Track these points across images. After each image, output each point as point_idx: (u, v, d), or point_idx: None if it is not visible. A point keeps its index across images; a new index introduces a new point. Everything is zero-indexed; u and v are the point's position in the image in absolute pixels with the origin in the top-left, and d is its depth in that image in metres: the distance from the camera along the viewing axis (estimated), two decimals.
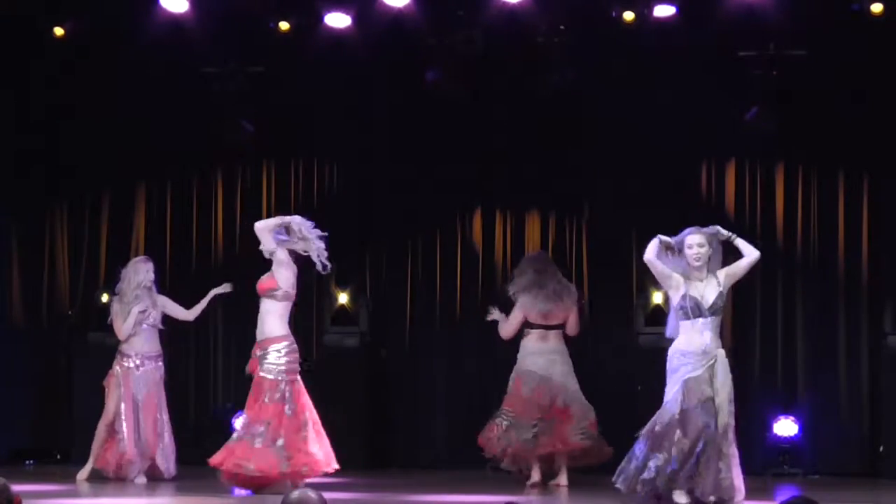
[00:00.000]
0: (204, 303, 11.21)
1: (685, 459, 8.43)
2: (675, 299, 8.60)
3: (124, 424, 10.78)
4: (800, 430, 11.57)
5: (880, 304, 11.59)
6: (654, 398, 11.58)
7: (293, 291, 9.72)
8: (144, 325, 10.95)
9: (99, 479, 10.76)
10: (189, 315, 11.24)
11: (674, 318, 8.67)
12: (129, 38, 11.58)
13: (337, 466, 9.64)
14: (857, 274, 11.81)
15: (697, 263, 8.58)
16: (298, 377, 9.70)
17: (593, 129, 12.13)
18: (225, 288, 11.15)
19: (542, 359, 10.62)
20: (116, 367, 10.96)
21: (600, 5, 11.24)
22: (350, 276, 12.57)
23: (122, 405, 10.83)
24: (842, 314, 11.88)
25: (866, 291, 11.80)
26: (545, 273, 10.80)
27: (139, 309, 10.87)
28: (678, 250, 8.62)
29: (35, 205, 13.10)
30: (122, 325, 10.89)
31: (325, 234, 9.77)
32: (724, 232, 8.70)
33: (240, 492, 9.70)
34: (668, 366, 8.65)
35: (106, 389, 10.94)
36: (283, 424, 9.49)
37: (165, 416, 11.02)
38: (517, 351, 10.89)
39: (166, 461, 10.95)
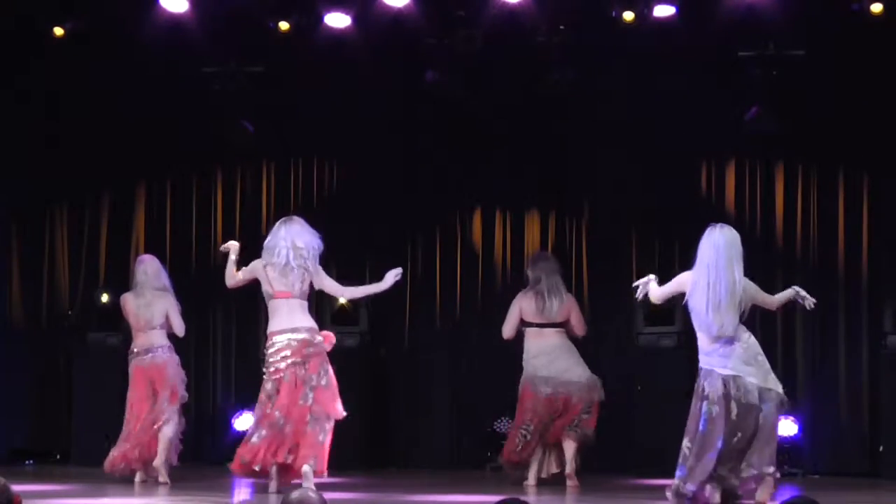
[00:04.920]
0: None
1: None
2: None
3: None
4: (800, 430, 11.56)
5: (880, 304, 11.58)
6: (654, 398, 11.64)
7: (267, 289, 9.57)
8: None
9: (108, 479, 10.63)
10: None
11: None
12: (129, 38, 11.57)
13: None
14: (857, 274, 11.81)
15: None
16: (283, 373, 9.42)
17: (593, 129, 12.13)
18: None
19: (542, 359, 10.58)
20: (173, 360, 10.68)
21: (600, 5, 11.24)
22: (350, 276, 12.57)
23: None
24: (842, 314, 11.88)
25: (866, 291, 11.80)
26: (540, 272, 10.76)
27: None
28: None
29: (35, 205, 13.11)
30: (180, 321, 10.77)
31: None
32: None
33: (239, 491, 9.71)
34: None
35: (158, 385, 10.53)
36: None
37: None
38: (518, 350, 10.87)
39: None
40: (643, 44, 11.30)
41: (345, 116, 12.42)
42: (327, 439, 9.34)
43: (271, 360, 9.39)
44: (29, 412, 12.96)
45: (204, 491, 10.02)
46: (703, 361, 8.53)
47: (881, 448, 11.45)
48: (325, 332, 9.56)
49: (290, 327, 9.40)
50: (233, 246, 9.72)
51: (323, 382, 9.35)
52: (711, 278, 8.40)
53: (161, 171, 13.07)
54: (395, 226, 12.68)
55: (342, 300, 11.93)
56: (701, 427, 8.40)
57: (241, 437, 12.19)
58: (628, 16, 11.11)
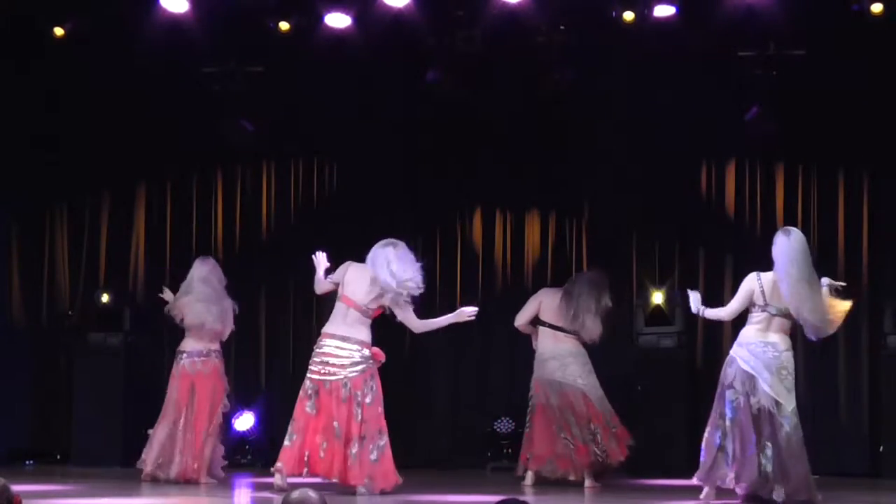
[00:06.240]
0: None
1: None
2: None
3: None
4: None
5: (880, 304, 11.59)
6: (654, 398, 11.63)
7: (347, 295, 9.51)
8: None
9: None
10: None
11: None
12: (129, 38, 11.57)
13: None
14: (857, 274, 11.80)
15: None
16: (325, 378, 9.36)
17: (593, 129, 12.13)
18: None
19: (555, 363, 10.54)
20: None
21: (600, 5, 11.23)
22: None
23: None
24: None
25: (866, 291, 11.79)
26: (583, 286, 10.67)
27: None
28: None
29: (35, 205, 13.11)
30: None
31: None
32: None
33: (239, 491, 9.69)
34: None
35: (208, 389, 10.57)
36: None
37: None
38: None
39: None
40: (643, 44, 11.29)
41: (345, 116, 12.42)
42: (383, 455, 9.26)
43: (316, 359, 9.39)
44: (29, 412, 12.96)
45: (204, 491, 10.01)
46: (734, 351, 8.66)
47: (881, 448, 11.45)
48: (374, 349, 9.47)
49: (340, 335, 9.38)
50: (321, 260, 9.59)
51: (367, 400, 9.29)
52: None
53: (161, 171, 13.07)
54: (395, 226, 12.64)
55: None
56: (728, 413, 8.50)
57: (241, 437, 12.23)
58: (628, 16, 11.10)
